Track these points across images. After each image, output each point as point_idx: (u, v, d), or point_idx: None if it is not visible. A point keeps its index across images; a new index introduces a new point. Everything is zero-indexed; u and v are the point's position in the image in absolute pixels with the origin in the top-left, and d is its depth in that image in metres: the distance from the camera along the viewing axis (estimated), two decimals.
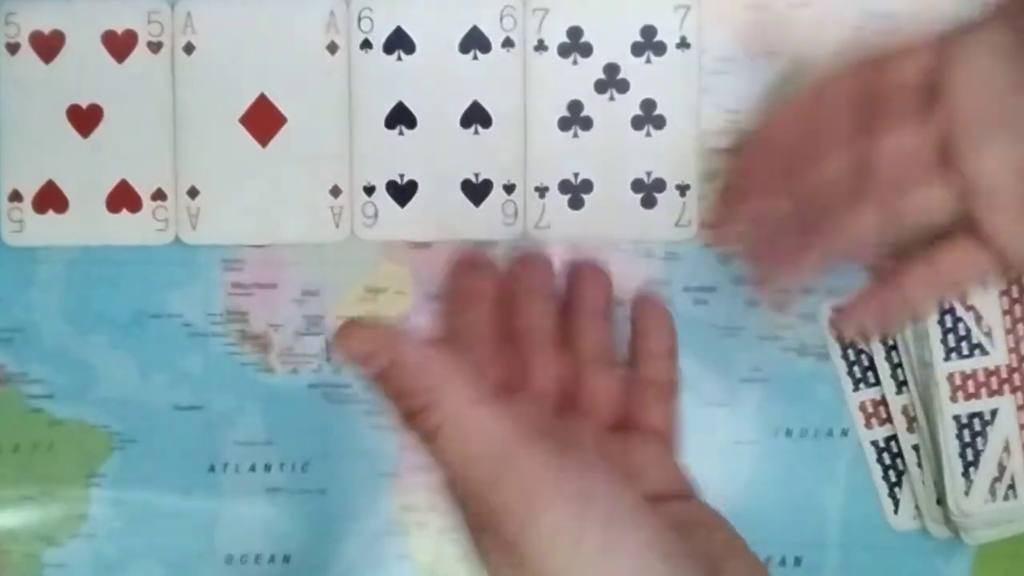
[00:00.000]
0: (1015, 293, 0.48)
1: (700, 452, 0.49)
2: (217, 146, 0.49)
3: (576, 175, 0.49)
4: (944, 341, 0.48)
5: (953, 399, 0.48)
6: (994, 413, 0.48)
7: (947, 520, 0.49)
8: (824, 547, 0.50)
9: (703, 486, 0.49)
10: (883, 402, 0.50)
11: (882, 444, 0.50)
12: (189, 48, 0.49)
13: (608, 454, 0.41)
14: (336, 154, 0.49)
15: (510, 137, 0.49)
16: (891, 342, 0.49)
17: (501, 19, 0.49)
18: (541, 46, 0.49)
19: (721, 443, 0.50)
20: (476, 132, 0.49)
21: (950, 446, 0.48)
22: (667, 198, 0.49)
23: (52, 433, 0.50)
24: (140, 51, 0.49)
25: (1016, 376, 0.48)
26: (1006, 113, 0.42)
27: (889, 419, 0.50)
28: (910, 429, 0.49)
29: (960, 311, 0.48)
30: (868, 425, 0.50)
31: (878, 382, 0.50)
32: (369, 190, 0.49)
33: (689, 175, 0.49)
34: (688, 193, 0.49)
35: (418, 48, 0.49)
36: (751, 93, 0.49)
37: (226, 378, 0.50)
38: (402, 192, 0.49)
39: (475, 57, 0.49)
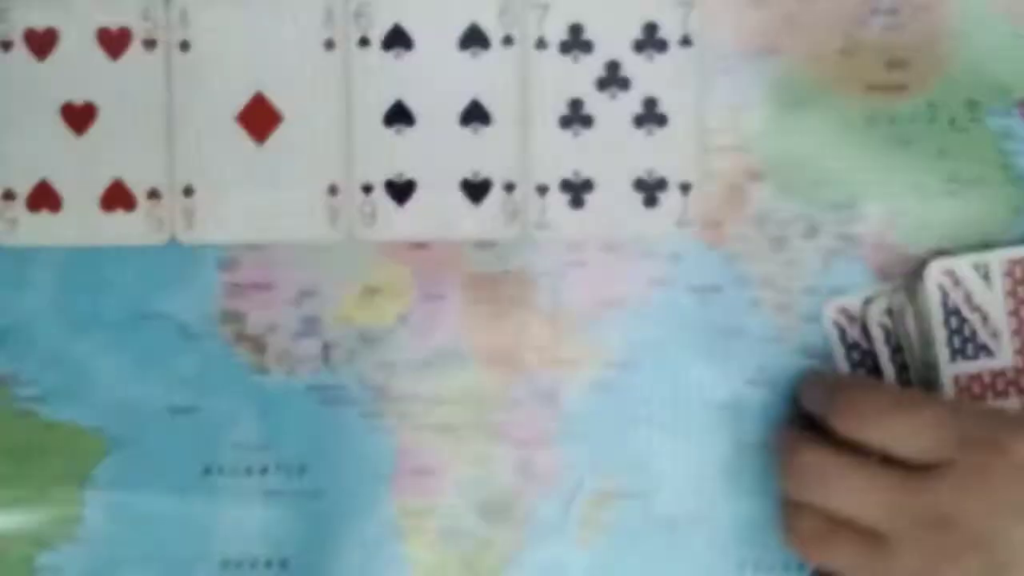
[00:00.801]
0: (1022, 294, 0.48)
1: (705, 454, 0.49)
2: (213, 144, 0.49)
3: (577, 174, 0.49)
4: (950, 343, 0.48)
5: None
6: None
7: None
8: None
9: (708, 487, 0.49)
10: None
11: None
12: (184, 45, 0.49)
13: None
14: (333, 153, 0.49)
15: (510, 135, 0.49)
16: (896, 344, 0.49)
17: (501, 16, 0.49)
18: (541, 43, 0.49)
19: (726, 445, 0.50)
20: (475, 130, 0.49)
21: None
22: (669, 197, 0.49)
23: (45, 435, 0.50)
24: (135, 48, 0.49)
25: (1022, 378, 0.48)
26: None
27: None
28: None
29: (966, 312, 0.47)
30: None
31: None
32: (367, 189, 0.49)
33: (691, 173, 0.49)
34: (691, 192, 0.49)
35: (417, 45, 0.49)
36: (754, 91, 0.49)
37: (222, 380, 0.50)
38: (400, 191, 0.49)
39: (474, 54, 0.49)
